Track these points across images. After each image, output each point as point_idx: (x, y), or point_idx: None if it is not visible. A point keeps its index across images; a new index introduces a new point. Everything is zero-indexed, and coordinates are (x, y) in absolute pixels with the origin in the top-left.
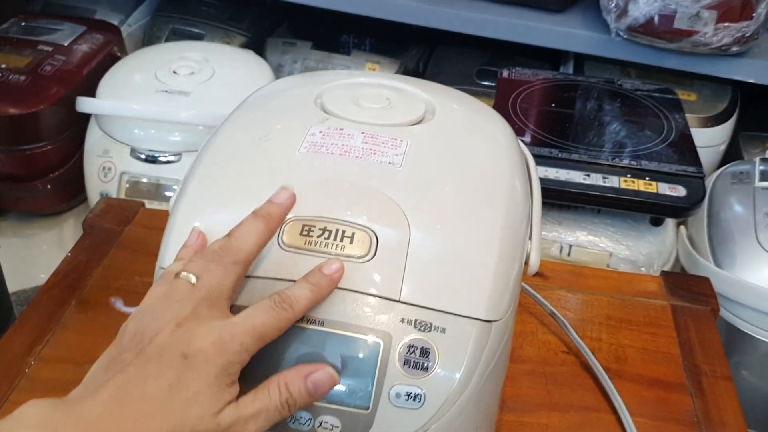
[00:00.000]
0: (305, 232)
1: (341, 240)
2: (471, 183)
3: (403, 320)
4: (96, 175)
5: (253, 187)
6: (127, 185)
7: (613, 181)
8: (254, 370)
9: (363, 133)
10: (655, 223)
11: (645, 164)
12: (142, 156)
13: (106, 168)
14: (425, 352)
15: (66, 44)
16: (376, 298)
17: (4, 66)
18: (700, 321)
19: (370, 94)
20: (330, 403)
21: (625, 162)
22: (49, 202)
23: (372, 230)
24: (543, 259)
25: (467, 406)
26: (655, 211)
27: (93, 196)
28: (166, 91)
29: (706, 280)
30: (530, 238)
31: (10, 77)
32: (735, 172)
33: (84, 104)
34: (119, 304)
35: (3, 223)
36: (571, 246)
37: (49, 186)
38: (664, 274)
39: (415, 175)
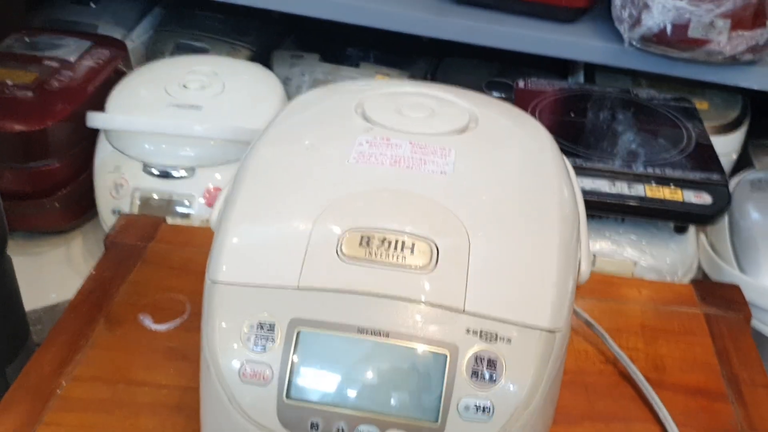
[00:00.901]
0: (364, 243)
1: (401, 250)
2: (523, 191)
3: (468, 331)
4: (108, 192)
5: (307, 198)
6: (139, 202)
7: (639, 190)
8: (320, 385)
9: (411, 142)
10: (680, 231)
11: (669, 172)
12: (155, 171)
13: (118, 184)
14: (492, 363)
15: (72, 60)
16: (441, 309)
17: (10, 82)
18: (735, 329)
19: (411, 103)
20: (398, 417)
21: (649, 170)
22: (57, 219)
23: (432, 240)
24: None
25: (533, 417)
26: (681, 219)
27: (105, 212)
28: (177, 106)
29: (736, 288)
30: (579, 244)
31: (17, 93)
32: (754, 180)
33: (95, 119)
34: (148, 321)
35: (10, 242)
36: (595, 255)
37: (57, 203)
38: (694, 282)
39: (468, 184)
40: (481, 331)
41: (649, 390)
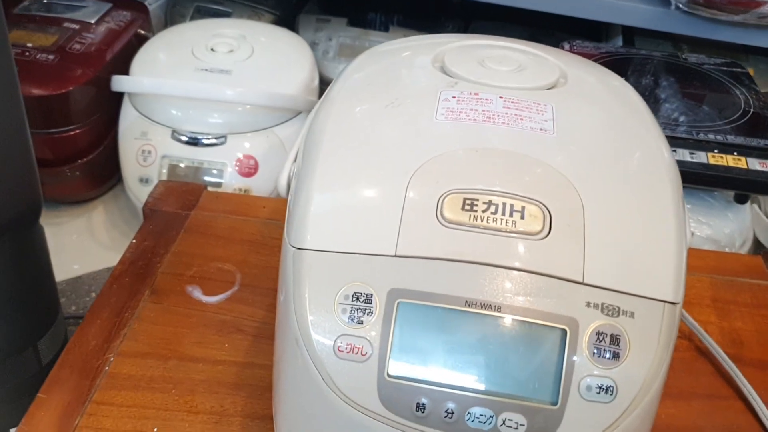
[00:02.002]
0: (468, 207)
1: (511, 215)
2: (629, 152)
3: (589, 304)
4: (134, 160)
5: (396, 158)
6: (166, 170)
7: (701, 157)
8: (425, 362)
9: (502, 97)
10: (740, 201)
11: (731, 139)
12: (184, 138)
13: (146, 151)
14: (615, 339)
15: (92, 22)
16: (558, 280)
17: (30, 45)
18: None
19: (496, 56)
20: (514, 399)
21: (710, 137)
22: (78, 188)
23: (542, 203)
24: None
25: (655, 399)
26: (745, 188)
27: (131, 181)
28: (205, 70)
29: None
30: None
31: (38, 56)
32: None
33: (121, 83)
34: (197, 293)
35: None
36: None
37: (78, 172)
38: (764, 253)
39: (572, 144)
40: (602, 305)
41: (731, 365)
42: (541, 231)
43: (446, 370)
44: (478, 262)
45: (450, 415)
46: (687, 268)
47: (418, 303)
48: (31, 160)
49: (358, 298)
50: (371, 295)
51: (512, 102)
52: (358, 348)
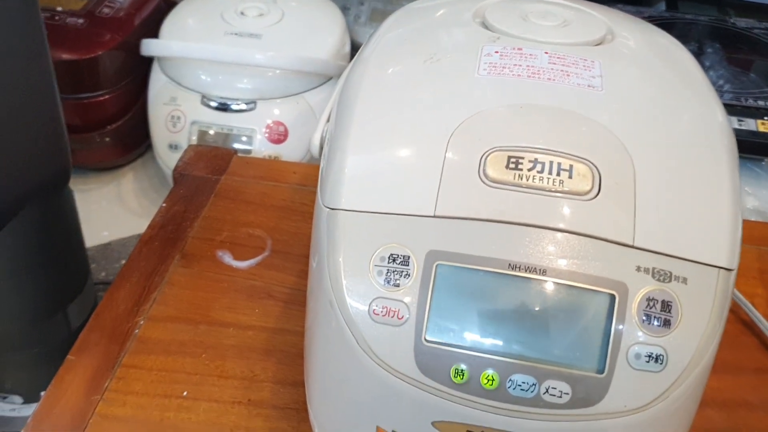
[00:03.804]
0: (513, 165)
1: (558, 174)
2: (683, 114)
3: (639, 269)
4: (163, 125)
5: (436, 115)
6: (196, 136)
7: (750, 124)
8: (464, 326)
9: (547, 52)
10: None
11: None
12: (213, 104)
13: (175, 117)
14: (667, 306)
15: None
16: (607, 242)
17: (59, 9)
18: None
19: (539, 11)
20: (558, 366)
21: (760, 103)
22: (107, 154)
23: (592, 162)
24: None
25: (706, 370)
26: None
27: (160, 147)
28: (235, 34)
29: None
30: None
31: (67, 20)
32: None
33: (149, 47)
34: (228, 258)
35: None
36: None
37: (107, 138)
38: None
39: (622, 101)
40: (653, 269)
41: None
42: (590, 191)
43: (486, 336)
44: (523, 223)
45: (490, 382)
46: (742, 235)
47: (457, 265)
48: (60, 126)
49: (394, 260)
50: (408, 257)
51: (558, 57)
52: (395, 311)
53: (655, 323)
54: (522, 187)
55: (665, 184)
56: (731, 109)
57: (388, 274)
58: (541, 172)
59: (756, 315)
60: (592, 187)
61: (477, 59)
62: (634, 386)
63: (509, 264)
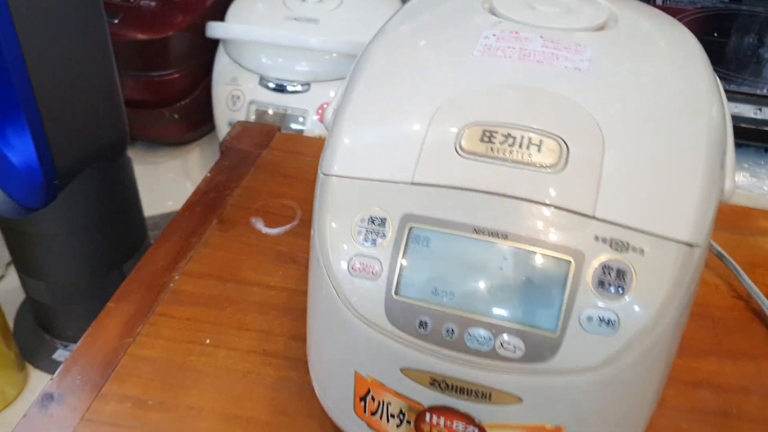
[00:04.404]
0: (486, 138)
1: (527, 147)
2: (668, 94)
3: (597, 238)
4: (224, 103)
5: (426, 92)
6: (254, 115)
7: None
8: (430, 284)
9: (542, 36)
10: None
11: None
12: (271, 85)
13: (235, 96)
14: (621, 275)
15: None
16: (568, 212)
17: None
18: None
19: None
20: (513, 323)
21: None
22: (176, 130)
23: (561, 138)
24: None
25: (662, 339)
26: None
27: (221, 124)
28: (294, 18)
29: None
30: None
31: (141, 3)
32: None
33: (214, 29)
34: (260, 225)
35: (131, 150)
36: None
37: (176, 114)
38: None
39: (605, 83)
40: (611, 240)
41: None
42: (556, 164)
43: (449, 293)
44: (491, 192)
45: (450, 334)
46: (715, 217)
47: (428, 228)
48: (117, 98)
49: (373, 222)
50: (385, 219)
51: (551, 42)
52: (370, 267)
53: (609, 290)
54: (493, 158)
55: (633, 161)
56: None
57: (367, 234)
58: (512, 145)
59: (765, 303)
60: (559, 160)
61: (475, 42)
62: (585, 347)
63: (474, 228)
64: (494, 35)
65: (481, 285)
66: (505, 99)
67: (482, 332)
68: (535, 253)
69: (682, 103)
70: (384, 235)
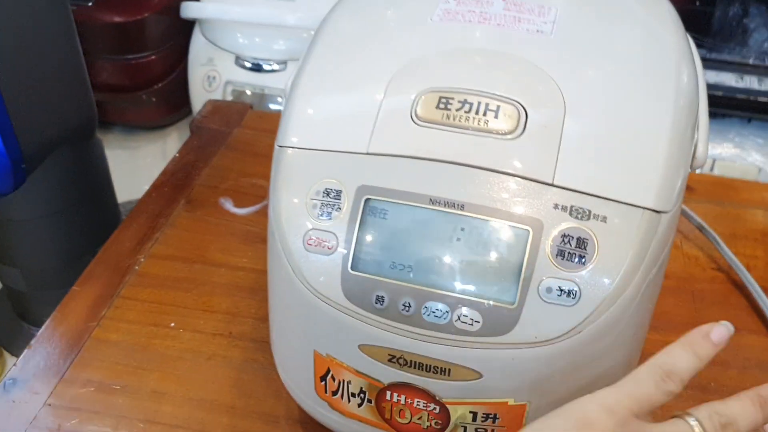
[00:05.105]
0: (442, 105)
1: (484, 114)
2: (636, 57)
3: (556, 206)
4: (200, 84)
5: (383, 60)
6: (231, 96)
7: None
8: (387, 257)
9: None
10: None
11: None
12: (247, 64)
13: (211, 77)
14: (582, 243)
15: None
16: (525, 180)
17: None
18: None
19: None
20: (470, 295)
21: None
22: (153, 114)
23: (520, 103)
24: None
25: (628, 309)
26: None
27: (197, 106)
28: None
29: None
30: (697, 127)
31: None
32: None
33: (188, 9)
34: (228, 205)
35: (109, 135)
36: (714, 160)
37: (153, 97)
38: None
39: (569, 45)
40: (571, 207)
41: (764, 299)
42: (514, 131)
43: (405, 266)
44: (446, 161)
45: (407, 308)
46: (685, 182)
47: (383, 200)
48: (83, 79)
49: (328, 194)
50: (341, 191)
51: (514, 4)
52: (325, 241)
53: (570, 259)
54: (449, 126)
55: (595, 127)
56: (753, 69)
57: (322, 207)
58: (469, 112)
59: (746, 276)
60: (517, 127)
61: (435, 6)
62: (545, 319)
63: (430, 199)
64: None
65: (438, 257)
66: (462, 64)
67: (439, 306)
68: (491, 222)
69: (650, 67)
70: (339, 208)
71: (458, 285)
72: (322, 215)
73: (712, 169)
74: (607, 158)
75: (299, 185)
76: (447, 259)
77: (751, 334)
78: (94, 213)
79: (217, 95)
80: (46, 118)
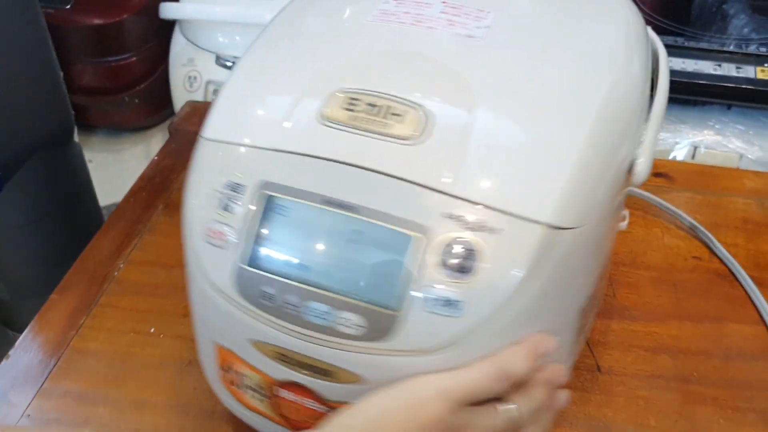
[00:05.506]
0: (349, 106)
1: (386, 117)
2: (566, 69)
3: (447, 215)
4: (181, 85)
5: (308, 58)
6: (213, 96)
7: (748, 71)
8: (278, 255)
9: (444, 2)
10: None
11: None
12: (228, 63)
13: (192, 77)
14: (470, 255)
15: None
16: (419, 187)
17: None
18: None
19: None
20: (353, 298)
21: (762, 50)
22: (136, 115)
23: (426, 109)
24: (667, 161)
25: (516, 322)
26: None
27: (179, 106)
28: None
29: None
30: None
31: None
32: None
33: (167, 10)
34: None
35: (93, 138)
36: (696, 148)
37: (136, 99)
38: None
39: (497, 52)
40: (462, 217)
41: (752, 286)
42: (415, 136)
43: (295, 264)
44: (345, 162)
45: (292, 307)
46: (612, 197)
47: (281, 197)
48: (58, 84)
49: (232, 188)
50: (244, 186)
51: (452, 8)
52: (223, 235)
53: (455, 270)
54: (353, 128)
55: (504, 137)
56: (731, 56)
57: (226, 200)
58: (373, 114)
59: (732, 263)
60: (420, 132)
61: (373, 7)
62: (426, 328)
63: (323, 199)
64: (395, 0)
65: (326, 258)
66: (380, 67)
67: (322, 307)
68: (380, 227)
69: (578, 80)
70: (240, 202)
71: (342, 287)
72: (224, 208)
73: (693, 156)
74: (510, 170)
75: (209, 177)
76: (334, 260)
77: (732, 324)
78: (75, 219)
79: (199, 95)
80: (19, 124)
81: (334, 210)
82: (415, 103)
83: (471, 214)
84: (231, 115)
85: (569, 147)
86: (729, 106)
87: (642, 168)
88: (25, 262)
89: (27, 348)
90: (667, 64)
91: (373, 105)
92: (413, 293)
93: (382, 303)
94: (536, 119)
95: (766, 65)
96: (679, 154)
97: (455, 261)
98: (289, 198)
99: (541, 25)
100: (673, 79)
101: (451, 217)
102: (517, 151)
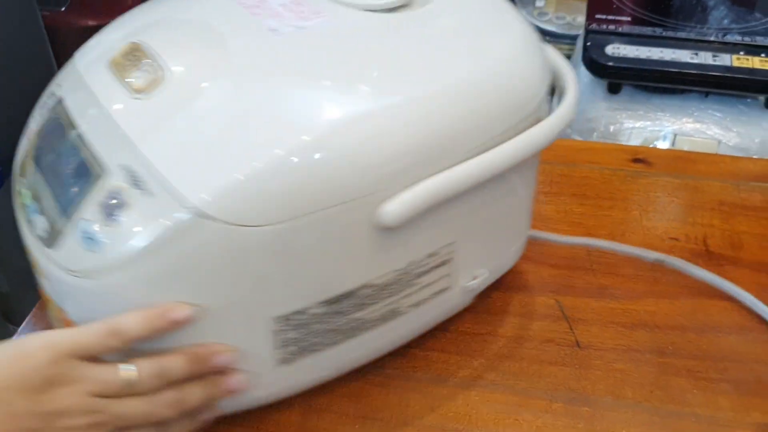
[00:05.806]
0: (124, 55)
1: (139, 69)
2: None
3: (122, 166)
4: None
5: (141, 17)
6: None
7: (725, 59)
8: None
9: None
10: None
11: (760, 40)
12: None
13: None
14: (123, 206)
15: None
16: (119, 135)
17: None
18: None
19: None
20: (46, 205)
21: (737, 38)
22: None
23: (169, 72)
24: (647, 147)
25: (147, 289)
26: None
27: None
28: None
29: None
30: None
31: None
32: None
33: None
34: None
35: None
36: (675, 135)
37: None
38: None
39: (284, 47)
40: (132, 172)
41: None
42: (147, 92)
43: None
44: (95, 94)
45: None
46: (303, 205)
47: (59, 108)
48: None
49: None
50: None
51: (295, 3)
52: None
53: (105, 213)
54: (115, 71)
55: (220, 118)
56: (708, 45)
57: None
58: (132, 65)
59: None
60: (152, 91)
61: None
62: (76, 252)
63: (71, 115)
64: None
65: (49, 157)
66: (174, 30)
67: (30, 204)
68: (86, 151)
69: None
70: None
71: (45, 191)
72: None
73: (673, 144)
74: (200, 148)
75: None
76: (51, 162)
77: (707, 299)
78: None
79: None
80: (22, 120)
81: (69, 127)
82: (167, 65)
83: (141, 168)
84: (90, 49)
85: (272, 148)
86: (706, 94)
87: (394, 209)
88: (23, 253)
89: (31, 331)
90: (575, 92)
91: (138, 59)
92: (76, 217)
93: (54, 215)
94: (265, 111)
95: (741, 53)
96: (661, 144)
97: (108, 204)
98: (63, 110)
99: (404, 41)
100: (651, 68)
101: (124, 168)
102: (222, 133)
